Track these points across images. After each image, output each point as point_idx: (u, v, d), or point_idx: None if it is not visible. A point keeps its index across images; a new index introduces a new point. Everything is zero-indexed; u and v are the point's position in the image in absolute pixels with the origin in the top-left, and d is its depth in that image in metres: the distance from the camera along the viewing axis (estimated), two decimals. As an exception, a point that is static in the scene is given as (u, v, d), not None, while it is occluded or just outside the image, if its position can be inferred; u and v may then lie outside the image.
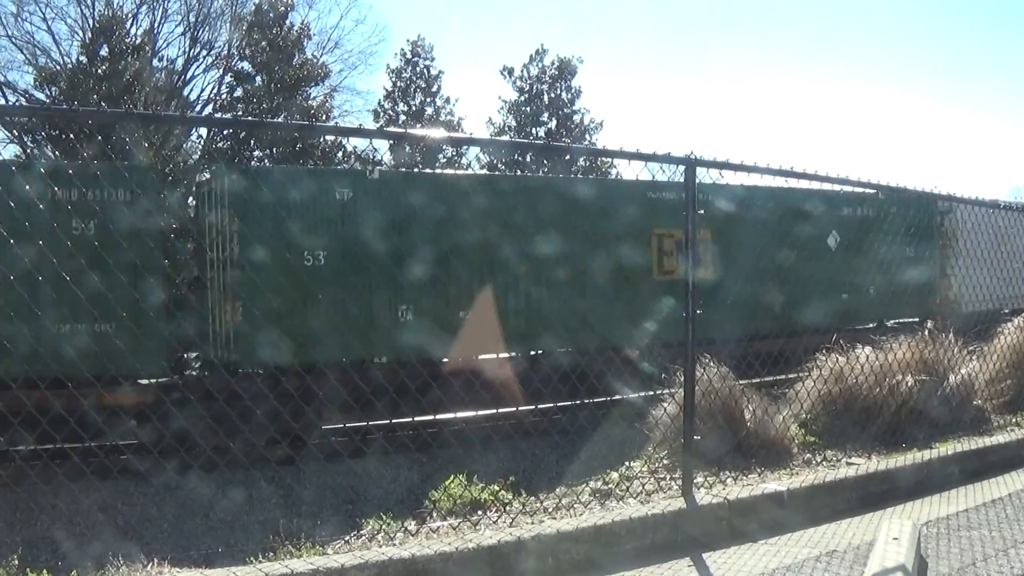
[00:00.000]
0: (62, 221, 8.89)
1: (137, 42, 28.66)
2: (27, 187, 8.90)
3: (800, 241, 9.09)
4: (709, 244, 10.96)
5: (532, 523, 4.47)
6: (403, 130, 5.06)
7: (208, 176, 10.59)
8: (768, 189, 8.52)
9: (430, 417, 9.00)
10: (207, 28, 29.94)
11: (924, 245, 10.11)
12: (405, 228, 10.49)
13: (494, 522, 4.57)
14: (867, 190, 6.51)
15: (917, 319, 8.31)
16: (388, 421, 9.17)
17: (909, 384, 6.53)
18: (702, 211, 4.84)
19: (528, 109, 37.44)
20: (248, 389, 8.63)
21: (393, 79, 36.27)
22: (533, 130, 36.93)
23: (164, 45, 29.97)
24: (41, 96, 27.29)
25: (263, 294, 9.78)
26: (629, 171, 25.07)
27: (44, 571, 4.34)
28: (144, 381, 10.08)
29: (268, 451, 9.29)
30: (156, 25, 29.54)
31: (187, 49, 29.93)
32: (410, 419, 9.08)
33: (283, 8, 30.84)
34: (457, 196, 10.50)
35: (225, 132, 29.44)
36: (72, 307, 8.77)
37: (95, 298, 7.62)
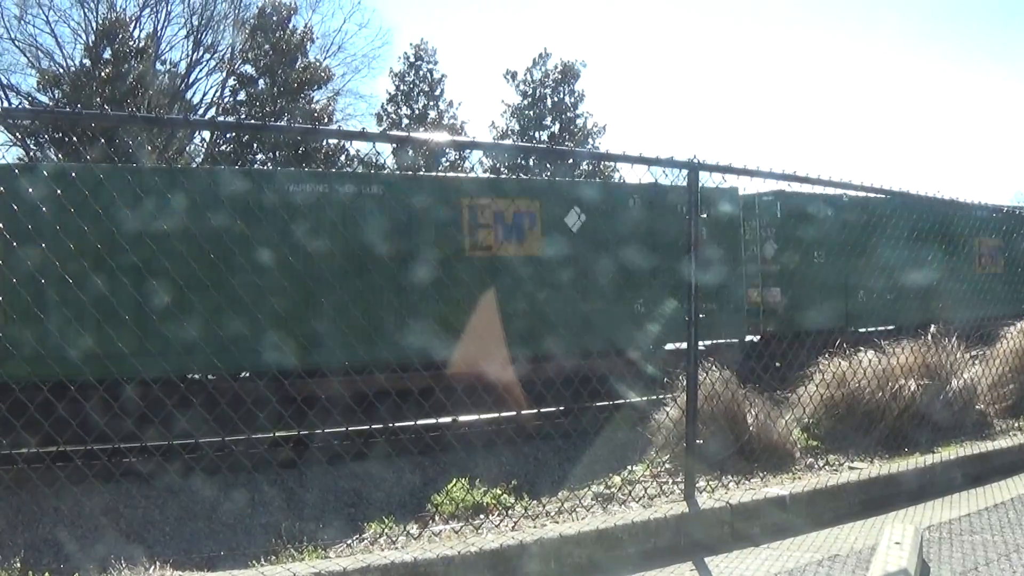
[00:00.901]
0: (646, 230, 12.55)
1: (140, 45, 28.79)
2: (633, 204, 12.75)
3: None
4: (1000, 250, 15.24)
5: (535, 527, 4.47)
6: (406, 134, 5.07)
7: (753, 195, 14.62)
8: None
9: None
10: (210, 31, 30.11)
11: None
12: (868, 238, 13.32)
13: (496, 526, 4.57)
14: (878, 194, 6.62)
15: None
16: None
17: (912, 388, 6.52)
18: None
19: (531, 113, 37.50)
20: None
21: (396, 83, 36.37)
22: (536, 134, 36.98)
23: (167, 48, 30.16)
24: (44, 99, 27.40)
25: (796, 282, 13.97)
26: (632, 174, 25.09)
27: (46, 573, 4.35)
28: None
29: (271, 453, 9.33)
30: (159, 28, 29.72)
31: (190, 52, 30.10)
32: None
33: (286, 12, 30.94)
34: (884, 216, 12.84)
35: (228, 135, 29.50)
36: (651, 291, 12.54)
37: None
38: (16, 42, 27.61)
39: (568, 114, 37.54)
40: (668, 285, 12.16)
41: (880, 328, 13.67)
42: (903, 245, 11.83)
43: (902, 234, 10.70)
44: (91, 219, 7.16)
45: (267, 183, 10.80)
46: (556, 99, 37.60)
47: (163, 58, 30.02)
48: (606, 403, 10.19)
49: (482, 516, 4.81)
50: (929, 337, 7.13)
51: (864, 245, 13.34)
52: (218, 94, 31.30)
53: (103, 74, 27.41)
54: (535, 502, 4.95)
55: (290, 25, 31.10)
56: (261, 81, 30.89)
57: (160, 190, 9.16)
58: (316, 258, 10.12)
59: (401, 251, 10.98)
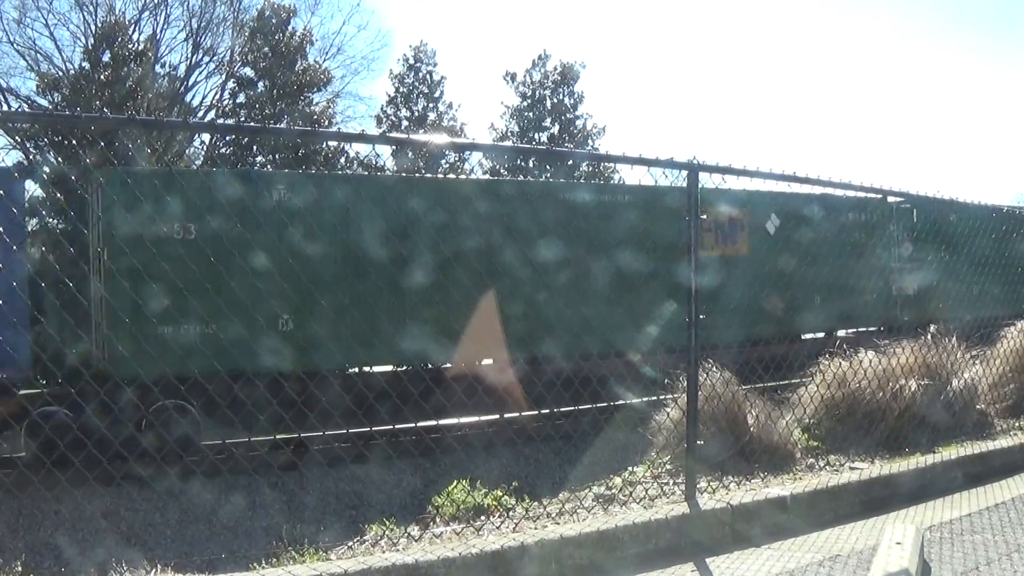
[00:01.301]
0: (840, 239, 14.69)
1: (140, 48, 28.76)
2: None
3: None
4: None
5: (535, 528, 4.47)
6: (406, 136, 5.09)
7: (892, 203, 16.95)
8: None
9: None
10: (209, 34, 30.05)
11: None
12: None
13: (497, 527, 4.57)
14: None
15: None
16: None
17: (912, 389, 6.51)
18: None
19: (531, 114, 37.48)
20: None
21: (396, 85, 36.38)
22: (536, 135, 36.97)
23: (167, 51, 30.10)
24: (43, 102, 27.37)
25: (927, 278, 15.56)
26: (631, 176, 25.12)
27: (47, 576, 4.35)
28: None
29: (271, 455, 9.34)
30: (158, 31, 29.67)
31: (189, 55, 30.06)
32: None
33: (285, 14, 30.93)
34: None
35: (227, 138, 29.48)
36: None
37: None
38: (15, 45, 27.60)
39: (568, 115, 37.52)
40: (847, 278, 15.04)
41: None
42: (1013, 247, 12.67)
43: (1012, 236, 11.34)
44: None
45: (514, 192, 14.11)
46: (555, 100, 37.57)
47: (162, 61, 30.01)
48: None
49: (483, 518, 4.80)
50: (929, 337, 7.13)
51: (982, 246, 14.13)
52: (217, 97, 31.29)
53: (102, 77, 27.39)
54: (536, 503, 4.95)
55: (289, 27, 31.08)
56: (260, 84, 30.87)
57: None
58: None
59: (644, 250, 13.69)
